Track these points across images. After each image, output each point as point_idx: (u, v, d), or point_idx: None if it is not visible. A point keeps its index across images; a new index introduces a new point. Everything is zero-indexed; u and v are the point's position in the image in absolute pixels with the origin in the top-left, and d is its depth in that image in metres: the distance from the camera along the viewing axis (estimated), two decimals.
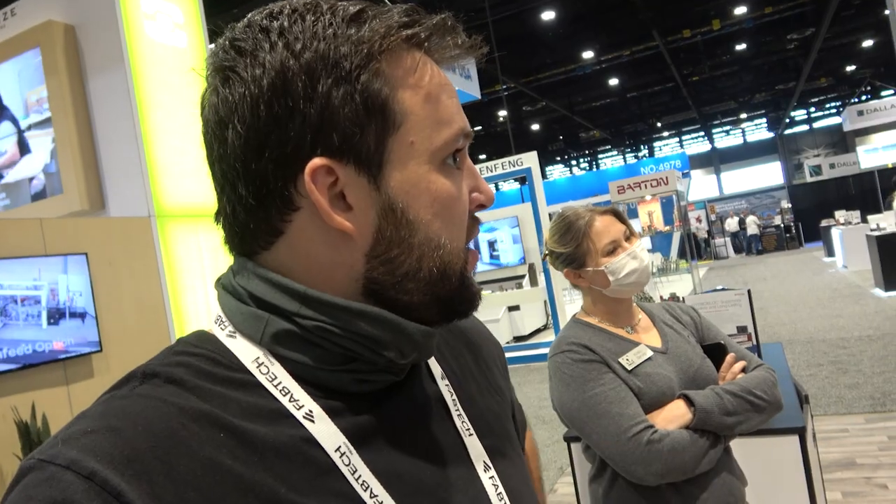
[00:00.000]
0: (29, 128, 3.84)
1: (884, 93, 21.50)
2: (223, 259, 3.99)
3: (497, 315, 8.91)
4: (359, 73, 0.47)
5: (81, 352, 3.20)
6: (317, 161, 0.47)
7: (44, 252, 3.12)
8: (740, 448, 1.46)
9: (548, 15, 12.70)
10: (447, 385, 0.61)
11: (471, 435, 0.59)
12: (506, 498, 0.57)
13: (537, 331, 9.98)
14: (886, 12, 3.67)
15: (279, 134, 0.47)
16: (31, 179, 3.87)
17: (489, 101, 16.26)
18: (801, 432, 1.78)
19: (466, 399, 0.62)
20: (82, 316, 3.22)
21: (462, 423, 0.59)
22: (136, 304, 3.46)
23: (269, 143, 0.47)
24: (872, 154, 19.71)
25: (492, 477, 0.58)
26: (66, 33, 3.71)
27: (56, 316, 3.11)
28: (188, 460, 0.42)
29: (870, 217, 11.38)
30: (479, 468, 0.57)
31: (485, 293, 9.35)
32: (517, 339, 9.39)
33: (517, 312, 9.36)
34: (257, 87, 0.47)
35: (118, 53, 3.55)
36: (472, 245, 0.57)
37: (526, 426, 0.74)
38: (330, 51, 0.47)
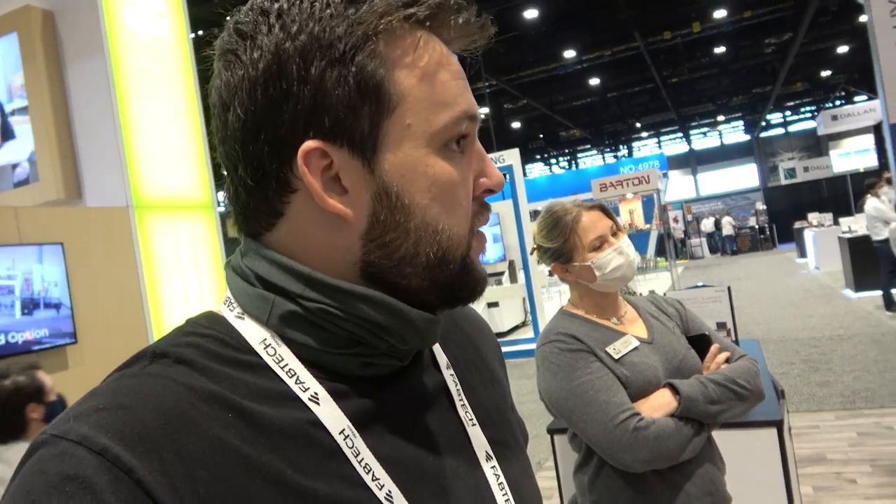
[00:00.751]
0: (13, 113, 3.75)
1: (857, 98, 21.95)
2: (203, 251, 3.95)
3: (476, 311, 8.93)
4: (353, 55, 0.47)
5: (56, 343, 3.14)
6: (310, 144, 0.47)
7: (18, 241, 3.05)
8: (720, 439, 1.48)
9: (531, 13, 12.74)
10: (452, 374, 0.61)
11: (474, 425, 0.59)
12: (507, 488, 0.57)
13: (516, 327, 10.03)
14: (863, 18, 3.74)
15: (274, 117, 0.47)
16: (14, 166, 3.78)
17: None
18: (779, 425, 1.82)
19: (469, 389, 0.62)
20: (57, 307, 3.16)
21: (465, 412, 0.59)
22: (112, 296, 3.40)
23: (264, 125, 0.47)
24: (845, 158, 20.14)
25: (493, 467, 0.58)
26: (45, 19, 3.63)
27: (30, 306, 3.05)
28: (197, 439, 0.42)
29: (842, 220, 11.61)
30: (482, 458, 0.58)
31: None
32: (496, 335, 9.43)
33: (496, 309, 9.41)
34: (255, 70, 0.47)
35: (98, 41, 3.48)
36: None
37: (527, 440, 0.73)
38: (325, 32, 0.47)
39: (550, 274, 1.56)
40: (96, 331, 3.32)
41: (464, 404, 0.59)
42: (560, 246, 1.50)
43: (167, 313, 3.59)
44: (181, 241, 3.74)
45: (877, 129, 16.82)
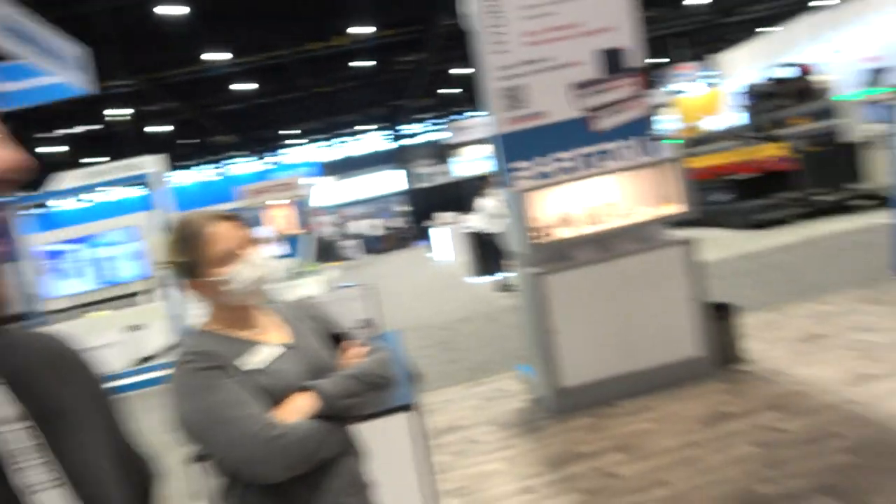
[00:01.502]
0: None
1: (477, 112, 26.10)
2: None
3: (115, 337, 7.94)
4: None
5: None
6: None
7: None
8: (359, 429, 1.59)
9: (174, 10, 11.87)
10: (18, 429, 0.51)
11: (47, 490, 0.50)
12: None
13: (164, 350, 9.24)
14: (472, 47, 4.53)
15: None
16: None
17: (104, 96, 14.36)
18: (412, 407, 2.04)
19: (54, 442, 0.53)
20: None
21: (35, 475, 0.50)
22: None
23: None
24: (469, 164, 24.14)
25: None
26: None
27: None
28: None
29: (463, 217, 13.71)
30: None
31: (98, 314, 8.26)
32: (144, 360, 8.55)
33: (141, 332, 8.52)
34: None
35: None
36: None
37: (160, 476, 0.65)
38: None
39: None
40: None
41: (32, 465, 0.50)
42: (189, 260, 1.41)
43: None
44: None
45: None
